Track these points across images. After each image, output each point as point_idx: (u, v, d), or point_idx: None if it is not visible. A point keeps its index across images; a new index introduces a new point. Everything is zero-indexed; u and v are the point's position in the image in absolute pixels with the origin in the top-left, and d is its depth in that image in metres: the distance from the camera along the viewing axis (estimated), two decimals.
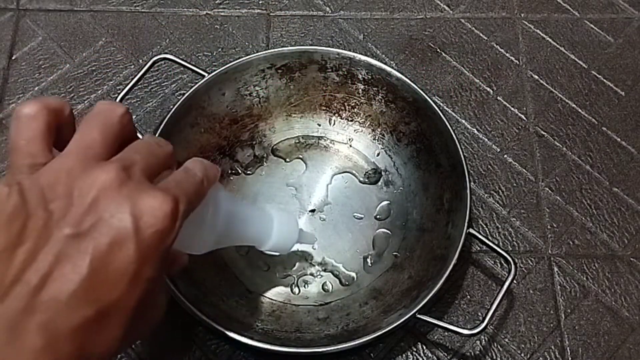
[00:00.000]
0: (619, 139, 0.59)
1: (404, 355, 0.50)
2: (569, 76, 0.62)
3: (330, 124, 0.58)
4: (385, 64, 0.54)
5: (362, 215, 0.54)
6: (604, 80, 0.62)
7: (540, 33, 0.64)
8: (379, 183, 0.56)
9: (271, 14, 0.65)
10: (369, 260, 0.53)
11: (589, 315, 0.51)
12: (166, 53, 0.56)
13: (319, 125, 0.58)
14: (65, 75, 0.60)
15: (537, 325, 0.51)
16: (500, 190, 0.56)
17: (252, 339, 0.44)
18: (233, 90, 0.55)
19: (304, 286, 0.52)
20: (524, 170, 0.57)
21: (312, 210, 0.54)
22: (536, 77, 0.62)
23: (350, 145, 0.57)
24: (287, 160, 0.57)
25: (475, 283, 0.52)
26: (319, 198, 0.55)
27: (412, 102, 0.53)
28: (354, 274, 0.52)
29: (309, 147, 0.58)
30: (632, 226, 0.55)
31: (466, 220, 0.47)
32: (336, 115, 0.58)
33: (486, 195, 0.56)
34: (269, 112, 0.57)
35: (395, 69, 0.54)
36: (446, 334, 0.50)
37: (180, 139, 0.52)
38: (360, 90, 0.56)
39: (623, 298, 0.52)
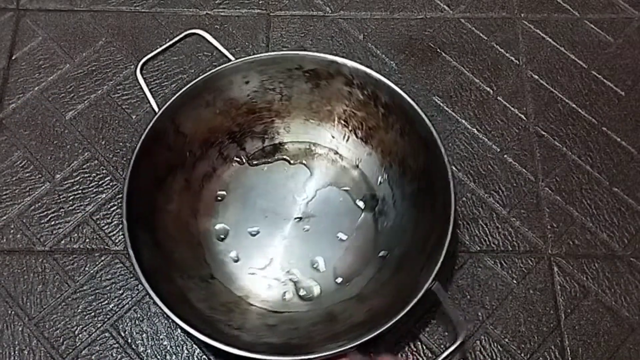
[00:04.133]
0: (619, 139, 0.59)
1: (403, 355, 0.50)
2: (569, 76, 0.62)
3: (344, 139, 0.57)
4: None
5: (346, 237, 0.53)
6: (604, 80, 0.62)
7: (540, 33, 0.64)
8: (373, 211, 0.54)
9: (271, 14, 0.65)
10: (338, 283, 0.51)
11: (589, 315, 0.51)
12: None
13: (333, 137, 0.57)
14: (65, 75, 0.60)
15: (537, 325, 0.51)
16: (500, 190, 0.56)
17: (199, 330, 0.43)
18: (257, 81, 0.54)
19: (266, 288, 0.51)
20: (524, 170, 0.57)
21: (299, 218, 0.54)
22: (536, 77, 0.62)
23: (357, 166, 0.56)
24: (292, 162, 0.56)
25: (475, 283, 0.52)
26: (309, 208, 0.54)
27: (424, 139, 0.51)
28: (316, 293, 0.51)
29: (317, 156, 0.57)
30: (632, 226, 0.55)
31: (434, 272, 0.44)
32: (352, 132, 0.56)
33: (486, 195, 0.56)
34: (288, 112, 0.56)
35: (413, 102, 0.51)
36: (446, 334, 0.50)
37: (193, 115, 0.52)
38: (381, 114, 0.54)
39: (623, 298, 0.52)
